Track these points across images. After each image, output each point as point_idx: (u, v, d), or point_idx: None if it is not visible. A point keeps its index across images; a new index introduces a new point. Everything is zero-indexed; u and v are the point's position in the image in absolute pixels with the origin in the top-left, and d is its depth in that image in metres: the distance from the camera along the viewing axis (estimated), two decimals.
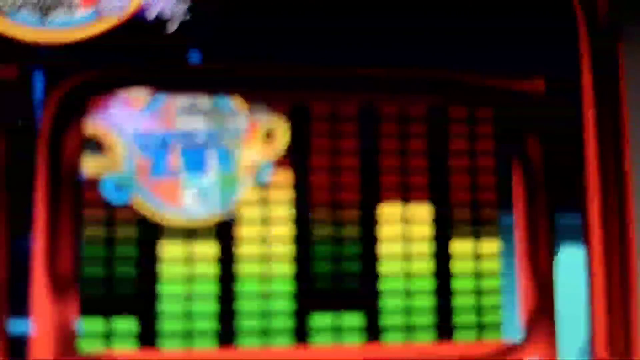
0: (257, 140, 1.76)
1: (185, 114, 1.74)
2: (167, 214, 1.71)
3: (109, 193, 1.70)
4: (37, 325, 1.64)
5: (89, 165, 1.70)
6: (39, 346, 1.64)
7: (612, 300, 1.81)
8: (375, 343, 1.74)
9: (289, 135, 1.77)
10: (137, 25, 1.68)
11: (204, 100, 1.75)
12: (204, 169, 1.74)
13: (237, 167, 1.75)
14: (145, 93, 1.73)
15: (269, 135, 1.76)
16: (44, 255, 1.65)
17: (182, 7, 1.70)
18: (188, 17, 1.70)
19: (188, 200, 1.73)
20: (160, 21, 1.69)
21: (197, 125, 1.74)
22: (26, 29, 1.66)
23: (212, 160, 1.74)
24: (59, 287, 1.65)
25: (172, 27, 1.69)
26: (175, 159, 1.73)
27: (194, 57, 1.76)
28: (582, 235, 1.83)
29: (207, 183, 1.73)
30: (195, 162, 1.73)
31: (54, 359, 1.64)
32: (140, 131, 1.72)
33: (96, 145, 1.70)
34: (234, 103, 1.76)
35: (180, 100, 1.74)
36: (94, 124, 1.71)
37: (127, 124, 1.72)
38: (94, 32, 1.67)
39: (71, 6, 1.67)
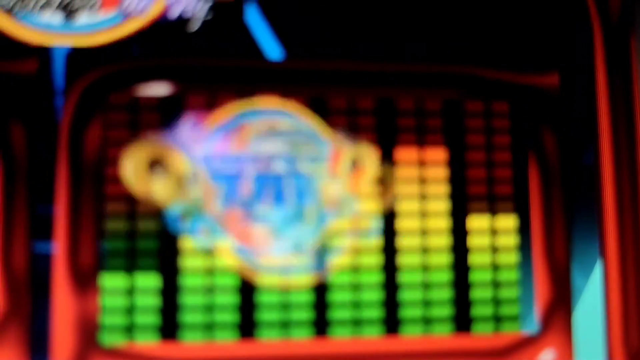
0: (341, 170, 1.73)
1: (262, 138, 1.71)
2: (239, 250, 1.71)
3: (172, 223, 1.69)
4: (59, 318, 1.65)
5: (158, 190, 1.67)
6: (61, 339, 1.64)
7: (627, 296, 1.82)
8: (394, 335, 1.76)
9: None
10: (161, 26, 1.70)
11: (283, 123, 1.72)
12: (281, 201, 1.72)
13: (317, 199, 1.74)
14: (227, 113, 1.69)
15: (355, 165, 1.75)
16: (65, 249, 1.66)
17: (205, 6, 1.71)
18: (210, 17, 1.71)
19: (261, 234, 1.71)
20: (183, 20, 1.71)
21: (276, 150, 1.72)
22: (49, 33, 1.68)
23: (290, 190, 1.72)
24: (80, 280, 1.66)
25: (194, 27, 1.71)
26: (248, 188, 1.70)
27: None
28: (596, 228, 1.85)
29: (284, 216, 1.72)
30: (271, 191, 1.71)
31: (75, 352, 1.65)
32: (211, 155, 1.69)
33: (161, 168, 1.68)
34: (317, 127, 1.76)
35: (258, 123, 1.71)
36: (159, 144, 1.68)
37: (197, 145, 1.69)
38: (120, 34, 1.69)
39: (94, 7, 1.68)
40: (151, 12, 1.69)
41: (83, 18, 1.68)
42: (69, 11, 1.66)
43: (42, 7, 1.67)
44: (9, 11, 1.65)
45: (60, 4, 1.67)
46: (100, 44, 1.69)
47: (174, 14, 1.70)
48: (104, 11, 1.70)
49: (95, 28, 1.69)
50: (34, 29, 1.68)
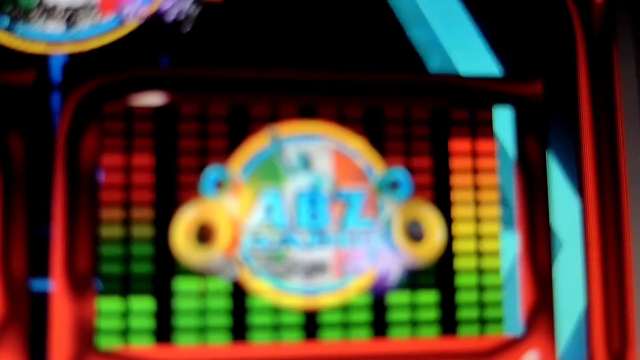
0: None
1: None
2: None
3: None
4: (56, 322, 1.69)
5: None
6: (59, 343, 1.69)
7: (609, 298, 1.87)
8: (382, 338, 1.80)
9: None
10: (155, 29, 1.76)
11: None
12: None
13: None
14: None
15: None
16: (62, 254, 1.70)
17: (196, 9, 1.76)
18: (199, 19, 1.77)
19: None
20: (177, 23, 1.76)
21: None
22: (47, 41, 1.74)
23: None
24: (77, 285, 1.71)
25: (186, 29, 1.76)
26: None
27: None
28: (579, 232, 1.90)
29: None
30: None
31: (72, 355, 1.69)
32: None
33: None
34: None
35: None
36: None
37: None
38: (116, 37, 1.74)
39: (94, 17, 1.73)
40: (147, 15, 1.76)
41: (84, 26, 1.74)
42: (70, 22, 1.71)
43: (44, 17, 1.72)
44: (10, 21, 1.70)
45: (61, 14, 1.72)
46: (95, 47, 1.75)
47: (169, 17, 1.75)
48: (103, 19, 1.75)
49: (89, 34, 1.74)
50: (30, 36, 1.73)
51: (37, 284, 1.70)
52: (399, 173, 1.83)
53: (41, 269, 1.70)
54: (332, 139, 1.82)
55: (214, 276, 1.75)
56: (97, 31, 1.75)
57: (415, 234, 1.80)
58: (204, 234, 1.75)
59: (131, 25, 1.76)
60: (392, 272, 1.79)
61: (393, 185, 1.82)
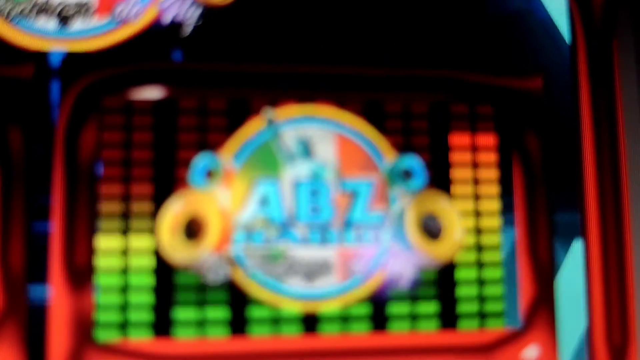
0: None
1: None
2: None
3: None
4: (55, 316, 1.69)
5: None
6: (57, 336, 1.68)
7: (609, 294, 1.87)
8: (382, 332, 1.80)
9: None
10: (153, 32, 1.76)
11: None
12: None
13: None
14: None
15: None
16: (61, 247, 1.70)
17: (196, 12, 1.77)
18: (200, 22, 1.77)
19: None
20: (175, 26, 1.77)
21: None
22: (44, 38, 1.74)
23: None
24: (76, 278, 1.70)
25: (185, 32, 1.76)
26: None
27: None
28: (579, 228, 1.89)
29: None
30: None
31: (71, 349, 1.69)
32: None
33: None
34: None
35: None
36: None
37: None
38: (113, 39, 1.75)
39: (88, 14, 1.74)
40: (144, 18, 1.76)
41: (77, 24, 1.74)
42: (63, 17, 1.72)
43: (38, 13, 1.72)
44: (5, 17, 1.71)
45: (55, 10, 1.72)
46: (95, 49, 1.75)
47: (167, 19, 1.75)
48: (98, 17, 1.75)
49: (89, 33, 1.75)
50: (30, 34, 1.74)
51: (35, 278, 1.70)
52: (412, 160, 1.75)
53: (40, 263, 1.70)
54: (335, 122, 1.74)
55: (202, 275, 1.70)
56: (95, 31, 1.76)
57: (431, 229, 1.70)
58: (193, 229, 1.69)
59: (130, 26, 1.76)
60: (405, 273, 1.73)
61: (405, 174, 1.75)
